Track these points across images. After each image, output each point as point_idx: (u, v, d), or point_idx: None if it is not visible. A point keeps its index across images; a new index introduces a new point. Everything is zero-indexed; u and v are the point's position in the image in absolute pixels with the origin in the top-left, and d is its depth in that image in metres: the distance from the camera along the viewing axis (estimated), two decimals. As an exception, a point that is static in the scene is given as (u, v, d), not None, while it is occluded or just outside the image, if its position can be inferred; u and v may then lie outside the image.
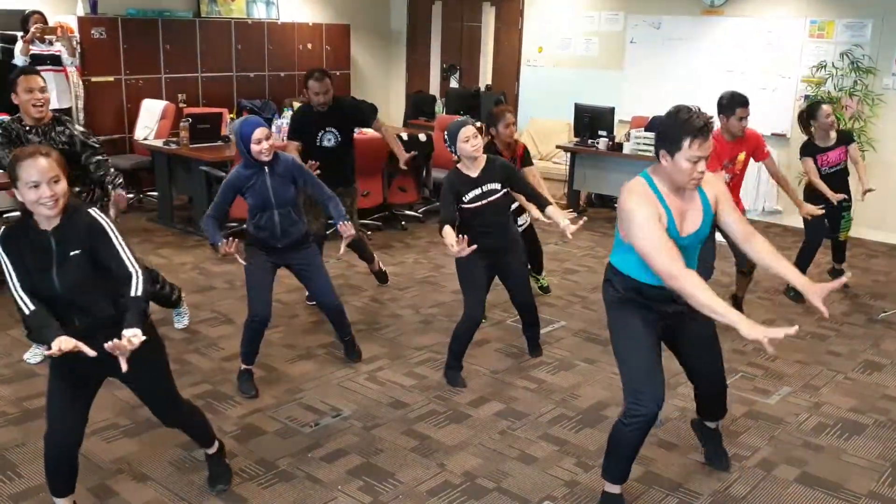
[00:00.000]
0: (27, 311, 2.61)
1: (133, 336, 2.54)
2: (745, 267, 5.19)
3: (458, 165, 4.17)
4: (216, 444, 3.31)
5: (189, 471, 3.43)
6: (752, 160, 5.05)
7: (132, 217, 7.64)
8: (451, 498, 3.32)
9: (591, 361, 4.75)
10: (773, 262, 2.98)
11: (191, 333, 4.94)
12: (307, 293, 5.43)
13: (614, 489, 3.19)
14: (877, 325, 5.53)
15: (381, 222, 7.62)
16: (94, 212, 2.75)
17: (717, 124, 4.62)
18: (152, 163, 7.64)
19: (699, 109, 2.89)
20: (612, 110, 8.29)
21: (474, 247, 3.83)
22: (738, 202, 4.92)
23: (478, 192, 4.12)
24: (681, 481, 3.48)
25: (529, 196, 4.32)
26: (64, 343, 2.51)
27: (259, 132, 3.92)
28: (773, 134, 7.65)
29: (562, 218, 4.11)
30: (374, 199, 7.37)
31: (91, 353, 2.54)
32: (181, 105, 8.47)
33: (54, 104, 7.22)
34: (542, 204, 4.26)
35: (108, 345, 2.51)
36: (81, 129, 4.40)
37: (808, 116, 5.68)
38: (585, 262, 6.83)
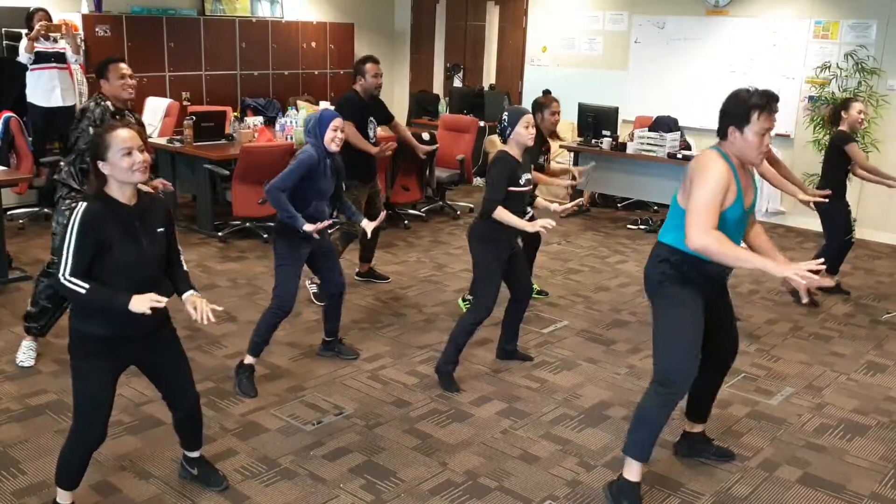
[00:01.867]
0: (83, 291, 2.68)
1: (198, 294, 2.98)
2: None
3: (507, 149, 4.19)
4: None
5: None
6: None
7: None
8: (453, 497, 3.32)
9: (594, 361, 4.74)
10: (765, 242, 3.27)
11: (193, 331, 4.94)
12: (312, 292, 5.45)
13: (634, 475, 3.22)
14: (880, 326, 5.52)
15: (385, 221, 7.60)
16: (162, 198, 3.07)
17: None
18: (156, 161, 7.65)
19: (758, 89, 3.06)
20: (615, 110, 8.28)
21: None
22: None
23: (527, 176, 4.25)
24: (683, 481, 3.48)
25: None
26: (149, 300, 2.70)
27: (338, 121, 4.12)
28: (776, 134, 7.63)
29: (548, 204, 4.53)
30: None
31: (163, 301, 2.76)
32: (185, 103, 8.48)
33: (58, 102, 7.25)
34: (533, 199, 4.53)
35: (195, 303, 2.98)
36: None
37: (839, 109, 5.68)
38: (588, 262, 6.83)
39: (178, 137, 7.32)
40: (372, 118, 5.65)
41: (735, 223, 3.08)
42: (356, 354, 4.63)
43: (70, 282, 2.68)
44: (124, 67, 4.37)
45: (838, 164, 5.68)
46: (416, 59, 11.25)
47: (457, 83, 10.70)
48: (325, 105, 7.89)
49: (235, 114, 8.38)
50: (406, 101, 11.16)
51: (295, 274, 4.18)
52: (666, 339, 3.16)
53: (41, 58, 7.08)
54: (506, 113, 4.20)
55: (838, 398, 4.37)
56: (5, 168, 6.25)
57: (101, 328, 2.80)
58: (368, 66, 5.55)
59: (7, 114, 6.76)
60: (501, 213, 4.06)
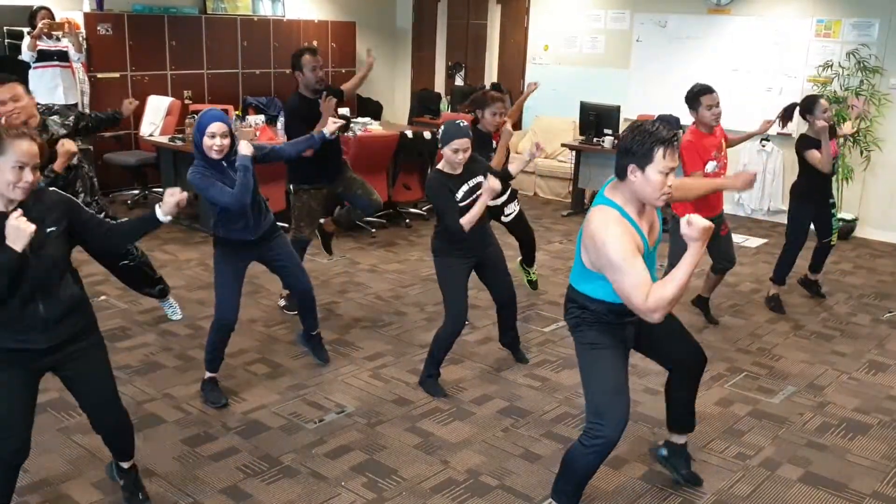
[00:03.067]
0: None
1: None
2: (720, 265, 5.14)
3: (441, 166, 4.02)
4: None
5: (192, 466, 3.44)
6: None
7: (138, 213, 7.65)
8: (455, 495, 3.32)
9: (595, 360, 4.74)
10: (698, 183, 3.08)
11: (195, 329, 4.95)
12: (281, 301, 5.28)
13: None
14: (882, 325, 5.52)
15: (386, 220, 7.62)
16: (56, 190, 2.81)
17: (684, 132, 4.65)
18: (158, 159, 7.66)
19: (662, 122, 2.79)
20: (617, 109, 8.28)
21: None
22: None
23: (466, 188, 4.00)
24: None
25: (499, 176, 4.19)
26: (16, 231, 2.42)
27: (213, 127, 3.74)
28: (778, 133, 7.62)
29: (521, 161, 4.41)
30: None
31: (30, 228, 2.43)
32: (187, 101, 8.48)
33: (61, 100, 7.24)
34: (507, 176, 4.38)
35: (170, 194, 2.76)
36: (57, 119, 4.48)
37: (805, 110, 5.41)
38: (590, 260, 6.82)
39: (180, 136, 7.33)
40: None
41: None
42: (326, 361, 4.51)
43: None
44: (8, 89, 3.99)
45: (804, 165, 5.46)
46: (418, 57, 11.24)
47: (458, 82, 10.69)
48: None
49: (237, 112, 8.38)
50: (408, 99, 11.16)
51: (230, 284, 3.96)
52: (586, 386, 2.99)
53: (44, 56, 7.09)
54: (442, 127, 3.97)
55: (840, 397, 4.37)
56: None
57: (3, 340, 2.61)
58: (305, 57, 4.97)
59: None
60: (466, 221, 3.89)
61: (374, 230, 7.26)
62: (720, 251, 5.03)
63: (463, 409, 4.06)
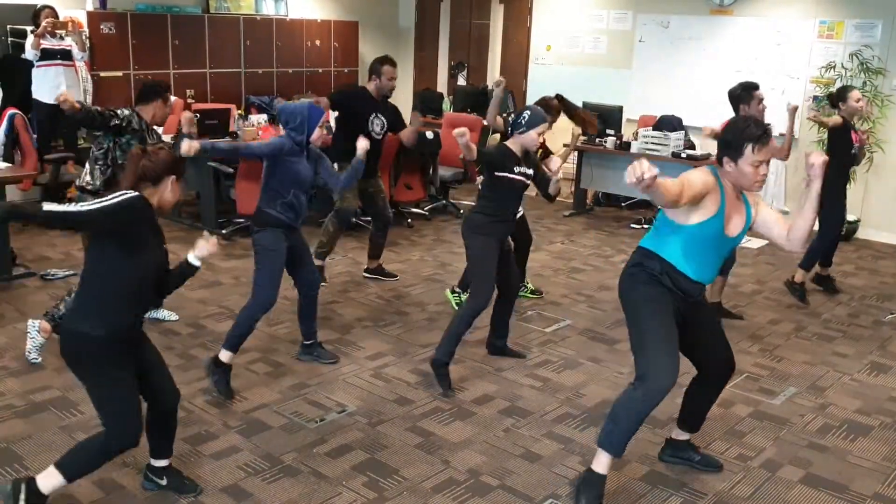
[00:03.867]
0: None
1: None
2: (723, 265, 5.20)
3: (508, 144, 4.30)
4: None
5: (194, 465, 3.44)
6: None
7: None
8: (456, 495, 3.32)
9: (597, 360, 4.74)
10: (798, 223, 3.16)
11: (197, 328, 4.95)
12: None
13: (602, 468, 3.17)
14: (884, 326, 5.51)
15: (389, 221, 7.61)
16: None
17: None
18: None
19: (755, 119, 3.12)
20: (619, 109, 8.28)
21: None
22: None
23: (520, 169, 4.29)
24: (685, 481, 3.48)
25: (542, 190, 4.58)
26: None
27: (325, 119, 4.15)
28: (780, 134, 7.62)
29: (554, 163, 4.62)
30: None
31: None
32: (189, 100, 8.48)
33: (63, 99, 7.25)
34: (546, 183, 4.58)
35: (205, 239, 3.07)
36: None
37: (838, 98, 5.68)
38: (591, 261, 6.83)
39: (182, 135, 7.32)
40: (379, 115, 5.67)
41: (712, 242, 3.09)
42: (336, 359, 4.55)
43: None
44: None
45: (839, 151, 5.55)
46: (421, 57, 11.25)
47: (461, 81, 10.69)
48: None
49: (239, 111, 8.39)
50: (410, 99, 11.16)
51: (280, 269, 4.15)
52: (637, 338, 3.14)
53: (47, 55, 7.09)
54: (528, 112, 4.27)
55: (841, 398, 4.36)
56: (10, 165, 6.26)
57: (112, 328, 2.86)
58: (387, 67, 5.63)
59: (12, 110, 6.77)
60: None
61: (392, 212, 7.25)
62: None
63: (464, 409, 4.06)
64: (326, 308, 5.39)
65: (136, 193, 2.85)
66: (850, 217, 7.71)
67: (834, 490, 3.46)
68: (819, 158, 3.00)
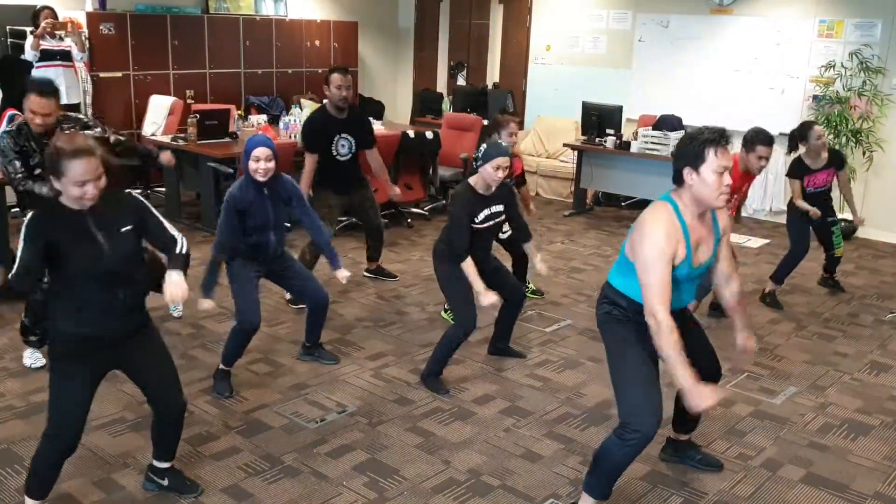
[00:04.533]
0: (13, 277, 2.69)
1: (177, 278, 2.91)
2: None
3: (472, 183, 4.10)
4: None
5: (194, 466, 3.44)
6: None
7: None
8: (456, 495, 3.32)
9: (597, 360, 4.74)
10: (735, 307, 3.14)
11: (197, 329, 4.95)
12: (288, 296, 5.36)
13: None
14: (884, 326, 5.51)
15: (387, 220, 7.61)
16: (130, 192, 3.02)
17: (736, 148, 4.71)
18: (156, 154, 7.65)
19: (706, 127, 2.91)
20: (619, 109, 8.28)
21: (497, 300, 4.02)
22: None
23: (487, 212, 4.12)
24: (686, 480, 3.48)
25: (516, 226, 4.45)
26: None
27: (258, 151, 3.94)
28: (780, 133, 7.63)
29: (538, 259, 4.47)
30: (380, 196, 7.35)
31: None
32: (189, 101, 8.48)
33: (63, 100, 7.23)
34: (524, 237, 4.49)
35: (167, 292, 2.85)
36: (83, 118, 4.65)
37: (799, 137, 5.55)
38: (592, 260, 6.82)
39: (182, 135, 7.32)
40: (344, 135, 5.42)
41: (682, 281, 2.93)
42: (336, 359, 4.56)
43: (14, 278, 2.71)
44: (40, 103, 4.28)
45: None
46: (420, 57, 11.24)
47: (460, 81, 10.69)
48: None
49: (239, 112, 8.39)
50: (410, 99, 11.16)
51: (250, 289, 4.07)
52: (618, 382, 3.02)
53: (47, 55, 7.09)
54: (484, 146, 4.07)
55: (842, 398, 4.36)
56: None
57: (79, 326, 2.80)
58: (334, 75, 5.35)
59: (11, 111, 6.76)
60: (468, 268, 4.00)
61: (386, 220, 7.24)
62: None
63: (464, 409, 4.06)
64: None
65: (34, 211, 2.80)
66: (850, 217, 7.72)
67: (834, 489, 3.46)
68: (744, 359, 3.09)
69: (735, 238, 7.53)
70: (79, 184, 2.68)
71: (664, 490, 3.41)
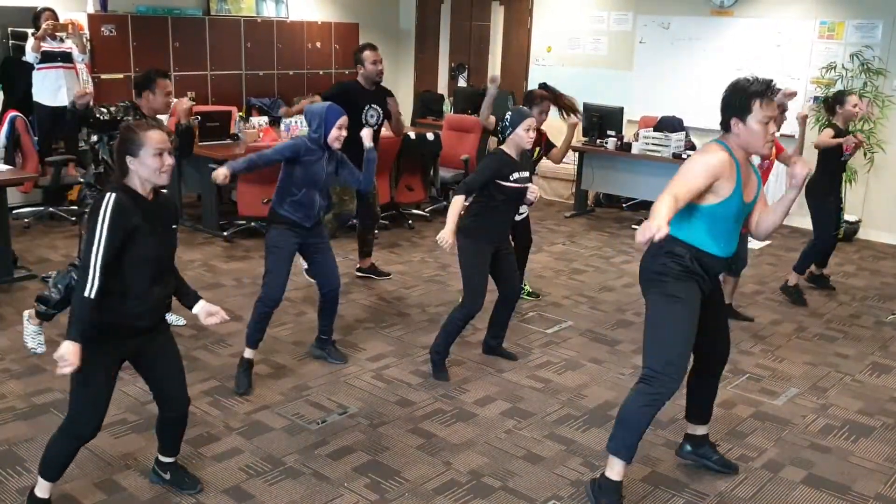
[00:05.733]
0: (90, 293, 2.67)
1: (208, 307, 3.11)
2: (736, 265, 5.17)
3: (504, 148, 4.26)
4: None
5: (196, 467, 3.44)
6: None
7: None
8: (457, 496, 3.32)
9: (598, 362, 4.74)
10: (774, 208, 3.21)
11: (198, 330, 4.95)
12: (306, 266, 5.24)
13: (616, 475, 3.16)
14: (885, 327, 5.51)
15: (389, 221, 7.62)
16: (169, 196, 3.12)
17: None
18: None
19: (756, 77, 3.04)
20: (620, 110, 8.28)
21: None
22: None
23: (517, 175, 4.24)
24: (687, 482, 3.48)
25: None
26: (71, 362, 2.67)
27: (343, 120, 4.15)
28: (782, 135, 7.63)
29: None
30: (382, 197, 7.35)
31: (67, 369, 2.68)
32: (190, 102, 8.48)
33: (64, 101, 7.24)
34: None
35: (209, 316, 3.11)
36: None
37: (834, 101, 5.70)
38: (593, 262, 6.82)
39: (181, 126, 7.32)
40: (374, 106, 5.61)
41: (734, 217, 3.07)
42: (344, 360, 4.56)
43: (95, 272, 2.67)
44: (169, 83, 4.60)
45: (829, 157, 5.71)
46: (421, 58, 11.25)
47: (461, 83, 10.70)
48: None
49: (240, 114, 8.40)
50: (411, 100, 11.16)
51: (283, 265, 4.16)
52: (658, 335, 3.09)
53: (47, 57, 7.10)
54: (510, 113, 4.26)
55: (843, 399, 4.36)
56: (11, 167, 6.27)
57: (116, 317, 2.82)
58: (367, 52, 5.58)
59: (13, 113, 6.78)
60: (456, 202, 4.07)
61: (376, 231, 7.25)
62: (738, 255, 4.89)
63: (465, 411, 4.06)
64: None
65: (108, 192, 2.77)
66: (851, 217, 7.73)
67: (836, 491, 3.46)
68: (803, 170, 3.00)
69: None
70: (158, 152, 2.77)
71: (665, 492, 3.40)
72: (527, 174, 4.33)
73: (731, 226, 3.10)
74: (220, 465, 3.47)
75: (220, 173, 4.00)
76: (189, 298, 3.13)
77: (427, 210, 8.07)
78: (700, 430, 3.56)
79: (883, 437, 3.95)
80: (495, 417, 4.01)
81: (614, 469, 3.17)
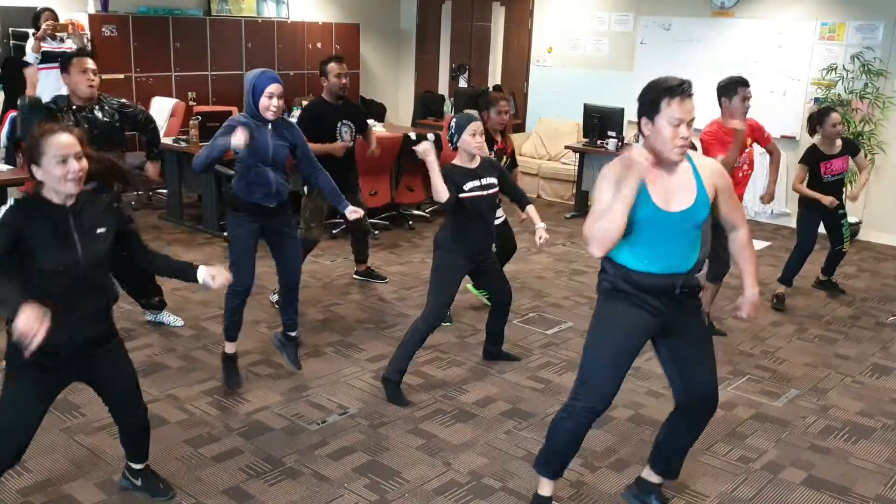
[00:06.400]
0: None
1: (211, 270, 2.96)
2: (720, 270, 4.96)
3: (455, 161, 4.11)
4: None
5: (196, 467, 3.44)
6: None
7: (143, 214, 7.67)
8: (457, 497, 3.32)
9: (598, 362, 4.73)
10: (742, 254, 3.01)
11: (198, 330, 4.95)
12: (273, 297, 5.21)
13: (545, 490, 3.10)
14: (885, 328, 5.51)
15: (389, 221, 7.62)
16: (108, 197, 2.92)
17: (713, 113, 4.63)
18: (162, 160, 7.65)
19: (673, 77, 2.76)
20: (621, 111, 8.27)
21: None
22: (740, 196, 4.82)
23: (477, 183, 4.07)
24: (687, 483, 3.48)
25: (512, 194, 4.35)
26: (37, 320, 2.36)
27: (273, 88, 3.88)
28: (782, 136, 7.63)
29: (538, 220, 4.28)
30: (382, 198, 7.38)
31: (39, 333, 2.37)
32: (191, 103, 8.49)
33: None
34: (523, 201, 4.36)
35: (214, 279, 2.91)
36: (120, 100, 4.74)
37: (816, 121, 5.57)
38: (593, 263, 6.82)
39: (184, 137, 7.33)
40: (346, 121, 5.46)
41: (653, 228, 2.74)
42: (299, 367, 4.40)
43: None
44: (88, 61, 4.43)
45: (812, 182, 5.62)
46: (422, 59, 11.25)
47: (462, 84, 10.69)
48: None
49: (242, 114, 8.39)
50: (411, 101, 11.16)
51: (246, 251, 4.04)
52: (588, 350, 2.96)
53: (48, 57, 7.09)
54: (454, 120, 4.09)
55: (843, 400, 4.36)
56: (11, 167, 6.27)
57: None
58: (331, 65, 5.38)
59: (14, 113, 6.77)
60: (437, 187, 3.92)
61: (377, 232, 7.25)
62: (720, 259, 4.82)
63: (465, 411, 4.06)
64: (327, 310, 5.40)
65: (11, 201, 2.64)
66: (851, 219, 7.72)
67: (836, 492, 3.46)
68: (746, 313, 2.97)
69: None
70: (61, 159, 2.57)
71: (665, 492, 3.39)
72: (491, 180, 4.11)
73: (658, 237, 2.76)
74: (220, 466, 3.46)
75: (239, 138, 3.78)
76: (188, 273, 2.97)
77: (427, 210, 8.06)
78: (655, 479, 3.24)
79: (883, 439, 3.94)
80: (495, 418, 4.01)
81: (542, 485, 3.12)
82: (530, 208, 4.35)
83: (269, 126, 3.98)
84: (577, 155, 8.48)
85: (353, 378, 4.39)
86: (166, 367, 4.42)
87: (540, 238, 4.24)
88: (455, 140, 4.08)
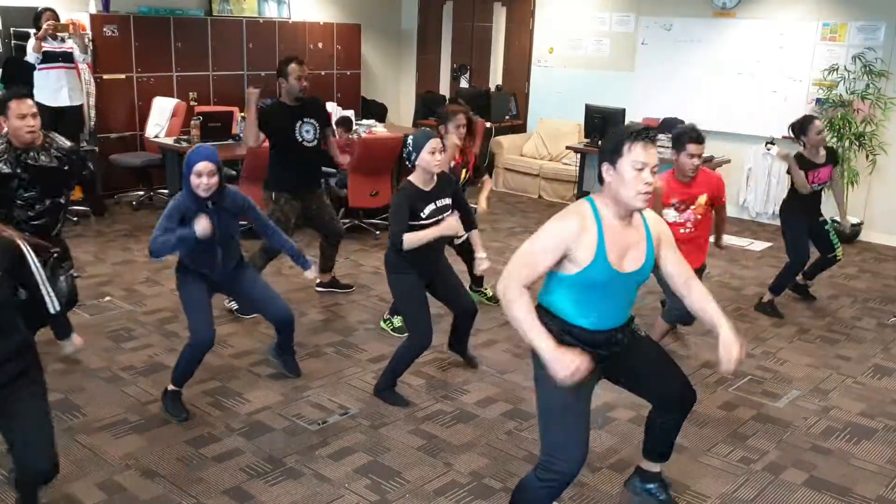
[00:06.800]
0: None
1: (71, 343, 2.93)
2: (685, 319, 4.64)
3: (412, 179, 3.94)
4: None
5: (196, 468, 3.44)
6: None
7: (143, 214, 7.67)
8: (458, 497, 3.32)
9: (599, 363, 4.73)
10: (705, 307, 2.76)
11: (199, 330, 4.95)
12: (235, 306, 5.09)
13: None
14: (887, 329, 5.50)
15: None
16: (10, 233, 2.79)
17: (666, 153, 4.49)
18: (163, 160, 7.67)
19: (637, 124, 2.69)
20: (622, 111, 8.26)
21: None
22: (704, 250, 4.62)
23: (433, 207, 3.94)
24: (689, 483, 3.47)
25: (463, 213, 4.13)
26: None
27: (202, 166, 3.64)
28: (783, 137, 7.62)
29: (480, 249, 4.21)
30: (383, 198, 7.36)
31: None
32: (192, 103, 8.49)
33: (65, 102, 7.28)
34: (469, 224, 4.23)
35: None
36: (69, 144, 4.25)
37: (799, 131, 5.48)
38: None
39: (185, 137, 7.34)
40: (306, 119, 5.15)
41: (603, 284, 2.63)
42: (299, 374, 4.36)
43: None
44: (27, 104, 3.92)
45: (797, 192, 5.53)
46: (423, 59, 11.25)
47: (463, 84, 10.70)
48: (331, 106, 7.89)
49: (242, 114, 8.39)
50: (412, 101, 11.16)
51: (199, 302, 3.82)
52: (545, 413, 2.78)
53: (49, 57, 7.11)
54: (411, 137, 3.93)
55: (845, 401, 4.35)
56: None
57: None
58: (292, 66, 5.12)
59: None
60: (410, 239, 3.81)
61: (377, 232, 7.25)
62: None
63: (466, 412, 4.06)
64: (328, 310, 5.40)
65: None
66: (853, 220, 7.71)
67: (837, 493, 3.45)
68: (726, 367, 2.63)
69: (737, 241, 7.54)
70: None
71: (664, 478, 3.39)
72: (447, 201, 3.99)
73: (605, 296, 2.66)
74: (221, 466, 3.46)
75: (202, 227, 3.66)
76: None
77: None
78: (654, 468, 3.23)
79: (884, 440, 3.94)
80: (496, 418, 4.00)
81: None
82: (474, 233, 4.25)
83: (209, 205, 3.73)
84: (579, 155, 8.46)
85: (354, 378, 4.39)
86: (167, 367, 4.40)
87: (479, 267, 4.19)
88: (413, 158, 3.89)
